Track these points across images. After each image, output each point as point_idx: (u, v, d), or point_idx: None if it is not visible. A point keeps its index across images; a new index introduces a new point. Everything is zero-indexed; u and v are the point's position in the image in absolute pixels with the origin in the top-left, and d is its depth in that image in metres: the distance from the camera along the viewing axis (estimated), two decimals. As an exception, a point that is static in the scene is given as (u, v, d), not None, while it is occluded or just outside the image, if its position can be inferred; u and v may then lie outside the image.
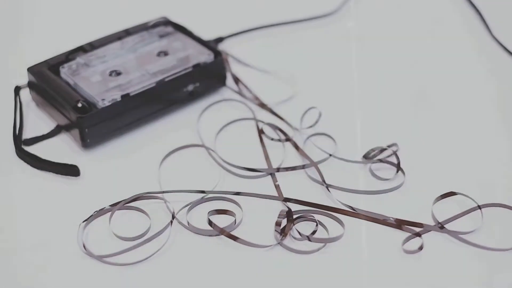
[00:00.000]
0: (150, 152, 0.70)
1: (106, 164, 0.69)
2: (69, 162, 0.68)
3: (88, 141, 0.69)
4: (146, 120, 0.72)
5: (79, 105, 0.69)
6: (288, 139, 0.71)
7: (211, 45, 0.76)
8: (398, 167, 0.67)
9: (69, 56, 0.75)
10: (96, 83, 0.71)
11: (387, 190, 0.66)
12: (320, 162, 0.68)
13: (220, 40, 0.82)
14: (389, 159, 0.68)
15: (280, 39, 0.84)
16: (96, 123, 0.69)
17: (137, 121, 0.72)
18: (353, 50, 0.82)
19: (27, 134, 0.72)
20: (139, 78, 0.72)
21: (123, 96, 0.70)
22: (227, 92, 0.77)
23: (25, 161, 0.69)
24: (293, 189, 0.66)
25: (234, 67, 0.79)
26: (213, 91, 0.76)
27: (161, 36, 0.77)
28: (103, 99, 0.69)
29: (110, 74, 0.72)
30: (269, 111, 0.74)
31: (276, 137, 0.71)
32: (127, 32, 0.77)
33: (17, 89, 0.75)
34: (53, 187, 0.67)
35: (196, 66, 0.74)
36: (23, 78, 0.74)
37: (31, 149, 0.70)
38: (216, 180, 0.67)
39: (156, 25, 0.78)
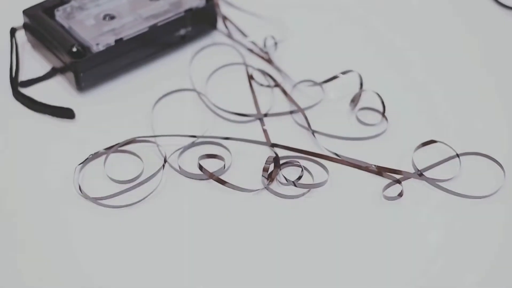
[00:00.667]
0: (142, 96, 0.72)
1: (100, 107, 0.71)
2: (65, 105, 0.70)
3: (82, 85, 0.71)
4: (139, 63, 0.74)
5: (74, 49, 0.71)
6: (277, 85, 0.73)
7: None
8: (382, 114, 0.69)
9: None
10: (90, 27, 0.73)
11: (371, 137, 0.68)
12: (307, 108, 0.71)
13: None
14: (376, 106, 0.70)
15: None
16: (90, 68, 0.71)
17: (130, 64, 0.74)
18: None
19: (23, 76, 0.74)
20: (132, 23, 0.74)
21: (116, 41, 0.72)
22: (218, 35, 0.78)
23: (21, 102, 0.71)
24: (280, 134, 0.68)
25: (226, 10, 0.80)
26: (204, 34, 0.78)
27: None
28: (97, 44, 0.71)
29: (104, 18, 0.74)
30: (259, 56, 0.76)
31: (265, 83, 0.73)
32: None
33: (12, 31, 0.76)
34: (48, 129, 0.69)
35: (188, 11, 0.75)
36: (18, 19, 0.75)
37: (27, 91, 0.72)
38: (207, 124, 0.69)
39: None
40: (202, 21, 0.77)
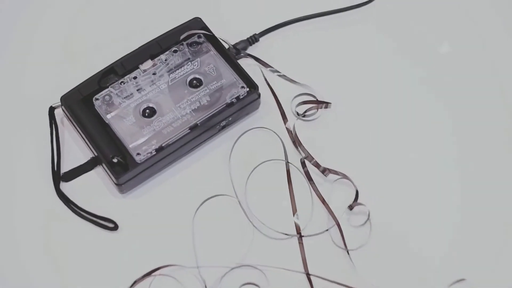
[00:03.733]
0: (183, 202, 0.72)
1: (141, 213, 0.72)
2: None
3: (123, 190, 0.72)
4: (178, 160, 0.74)
5: (115, 160, 0.70)
6: (315, 190, 0.73)
7: (245, 74, 0.74)
8: None
9: (101, 81, 0.74)
10: (131, 127, 0.72)
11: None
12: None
13: (253, 40, 0.79)
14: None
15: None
16: (130, 178, 0.71)
17: (169, 164, 0.73)
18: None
19: (64, 159, 0.74)
20: (172, 122, 0.72)
21: (157, 149, 0.71)
22: (258, 116, 0.77)
23: (64, 204, 0.72)
24: (317, 254, 0.70)
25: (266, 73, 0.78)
26: (245, 117, 0.76)
27: (193, 51, 0.75)
28: (138, 154, 0.71)
29: (144, 113, 0.72)
30: (299, 146, 0.75)
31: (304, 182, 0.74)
32: (158, 45, 0.75)
33: (51, 111, 0.75)
34: (91, 240, 0.71)
35: (230, 105, 0.73)
36: (52, 94, 0.74)
37: (70, 186, 0.73)
38: (246, 243, 0.71)
39: (188, 37, 0.76)
40: (244, 109, 0.75)
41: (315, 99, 0.77)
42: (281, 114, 0.76)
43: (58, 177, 0.73)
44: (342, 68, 0.79)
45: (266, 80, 0.77)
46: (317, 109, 0.76)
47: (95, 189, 0.73)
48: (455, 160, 0.75)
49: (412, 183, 0.74)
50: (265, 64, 0.78)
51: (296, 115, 0.76)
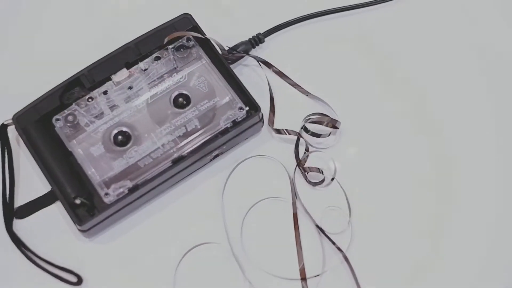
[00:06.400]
0: (163, 247, 0.59)
1: (112, 260, 0.59)
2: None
3: (87, 235, 0.58)
4: (158, 197, 0.60)
5: (78, 201, 0.57)
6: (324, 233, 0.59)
7: (245, 91, 0.60)
8: None
9: (63, 96, 0.59)
10: (99, 158, 0.58)
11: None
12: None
13: (257, 41, 0.64)
14: None
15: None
16: (96, 223, 0.57)
17: (146, 202, 0.59)
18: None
19: (19, 188, 0.60)
20: (151, 152, 0.58)
21: (132, 189, 0.57)
22: (260, 141, 0.62)
23: (17, 247, 0.59)
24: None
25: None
26: (243, 143, 0.62)
27: (180, 58, 0.60)
28: (107, 194, 0.57)
29: (116, 140, 0.58)
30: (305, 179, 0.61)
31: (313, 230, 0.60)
32: (136, 49, 0.60)
33: (3, 129, 0.60)
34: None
35: (225, 131, 0.59)
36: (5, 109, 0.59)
37: (24, 224, 0.59)
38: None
39: (174, 39, 0.61)
40: (242, 134, 0.60)
41: (329, 119, 0.62)
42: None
43: (11, 212, 0.59)
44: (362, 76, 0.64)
45: (271, 96, 0.62)
46: (330, 132, 0.61)
47: (56, 229, 0.60)
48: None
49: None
50: (273, 68, 0.63)
51: (308, 144, 0.61)
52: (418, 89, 0.64)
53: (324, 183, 0.60)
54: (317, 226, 0.59)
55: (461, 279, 0.59)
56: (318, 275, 0.58)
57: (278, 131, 0.61)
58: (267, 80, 0.63)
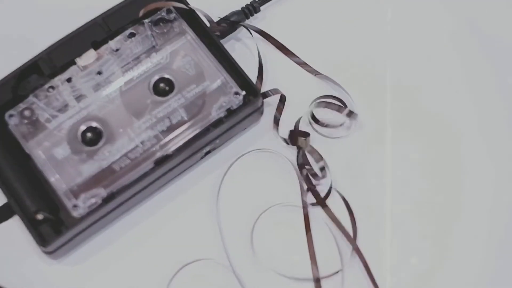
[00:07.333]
0: (149, 265, 0.49)
1: (84, 285, 0.49)
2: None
3: (56, 257, 0.48)
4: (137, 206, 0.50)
5: (40, 217, 0.46)
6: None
7: (240, 71, 0.49)
8: None
9: (18, 86, 0.48)
10: (64, 161, 0.47)
11: None
12: None
13: (252, 10, 0.53)
14: None
15: None
16: (65, 243, 0.47)
17: (124, 213, 0.49)
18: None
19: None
20: (128, 152, 0.48)
21: (106, 198, 0.46)
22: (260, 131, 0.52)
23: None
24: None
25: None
26: (240, 134, 0.51)
27: (160, 34, 0.50)
28: (75, 206, 0.46)
29: (84, 138, 0.48)
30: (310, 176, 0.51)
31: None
32: (105, 25, 0.50)
33: None
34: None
35: (218, 122, 0.48)
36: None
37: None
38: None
39: (151, 12, 0.50)
40: (238, 125, 0.50)
41: (339, 103, 0.51)
42: (295, 134, 0.51)
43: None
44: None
45: (260, 62, 0.52)
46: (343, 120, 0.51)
47: (16, 248, 0.50)
48: None
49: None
50: (273, 41, 0.53)
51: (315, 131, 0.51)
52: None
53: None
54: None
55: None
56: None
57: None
58: (257, 49, 0.52)
